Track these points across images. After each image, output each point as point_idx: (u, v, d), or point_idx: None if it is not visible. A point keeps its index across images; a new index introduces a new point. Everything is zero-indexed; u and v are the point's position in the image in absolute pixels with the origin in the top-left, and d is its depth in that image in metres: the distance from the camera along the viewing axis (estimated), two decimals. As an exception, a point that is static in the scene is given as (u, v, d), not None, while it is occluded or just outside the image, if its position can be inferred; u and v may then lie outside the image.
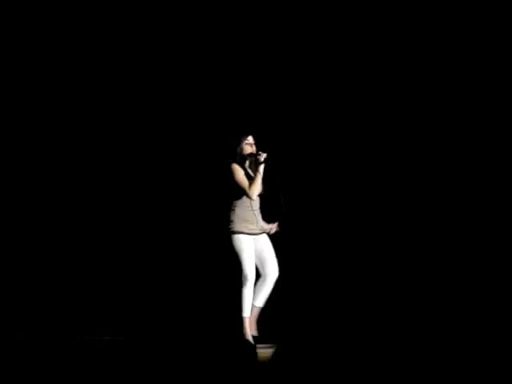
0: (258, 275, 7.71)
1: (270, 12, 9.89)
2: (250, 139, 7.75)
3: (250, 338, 7.47)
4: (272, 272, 7.74)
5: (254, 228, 7.67)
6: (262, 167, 7.63)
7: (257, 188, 7.60)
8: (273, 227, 7.83)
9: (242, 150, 7.68)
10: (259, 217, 7.75)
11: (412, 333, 8.32)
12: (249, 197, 7.60)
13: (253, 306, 7.57)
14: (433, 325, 8.66)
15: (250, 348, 6.03)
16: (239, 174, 7.61)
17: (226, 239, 7.67)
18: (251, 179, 7.62)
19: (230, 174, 7.62)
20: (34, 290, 9.98)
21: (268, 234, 7.81)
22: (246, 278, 7.54)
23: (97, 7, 9.90)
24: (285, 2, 9.82)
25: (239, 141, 7.71)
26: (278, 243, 7.84)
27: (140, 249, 10.19)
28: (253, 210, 7.63)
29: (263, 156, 7.62)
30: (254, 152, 7.70)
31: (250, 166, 7.79)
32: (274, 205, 7.73)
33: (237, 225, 7.59)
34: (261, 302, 7.66)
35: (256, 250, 7.70)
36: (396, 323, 8.83)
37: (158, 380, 5.51)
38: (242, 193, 7.61)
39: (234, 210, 7.62)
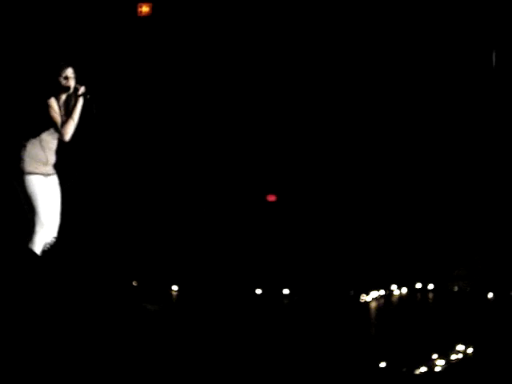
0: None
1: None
2: (69, 72, 6.98)
3: None
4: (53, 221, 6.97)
5: (46, 169, 6.92)
6: (80, 103, 6.89)
7: (72, 127, 6.86)
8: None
9: (58, 83, 6.90)
10: (52, 157, 7.02)
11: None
12: (61, 136, 6.88)
13: None
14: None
15: None
16: (54, 108, 6.84)
17: (15, 179, 6.92)
18: (67, 116, 6.82)
19: (41, 107, 6.84)
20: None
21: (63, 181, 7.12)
22: (40, 224, 6.84)
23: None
24: None
25: (57, 73, 6.93)
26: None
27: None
28: (47, 150, 6.82)
29: (81, 89, 6.90)
30: (71, 87, 6.93)
31: (67, 103, 7.00)
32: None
33: (28, 164, 6.81)
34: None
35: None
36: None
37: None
38: (41, 129, 6.85)
39: (24, 147, 6.86)
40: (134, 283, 9.80)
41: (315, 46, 9.95)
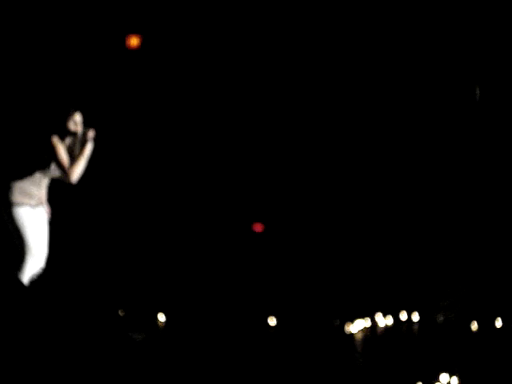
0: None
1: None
2: (77, 117, 6.96)
3: None
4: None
5: (33, 202, 6.88)
6: (89, 147, 6.88)
7: (79, 170, 6.85)
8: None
9: (66, 127, 6.86)
10: (43, 192, 6.96)
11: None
12: (67, 178, 6.84)
13: None
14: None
15: None
16: (60, 149, 6.79)
17: (3, 210, 6.89)
18: (73, 159, 6.80)
19: (47, 148, 6.77)
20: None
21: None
22: (30, 254, 6.81)
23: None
24: None
25: (65, 116, 6.86)
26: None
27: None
28: (40, 187, 6.81)
29: (91, 134, 6.88)
30: (79, 132, 6.90)
31: (72, 146, 6.97)
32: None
33: (18, 196, 6.79)
34: None
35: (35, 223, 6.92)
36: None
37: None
38: (39, 168, 6.82)
39: (18, 181, 6.83)
40: (120, 312, 9.84)
41: (304, 70, 10.05)
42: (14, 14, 9.84)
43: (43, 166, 6.90)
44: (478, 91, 9.79)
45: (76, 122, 6.95)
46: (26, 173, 6.85)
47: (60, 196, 7.67)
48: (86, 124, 7.06)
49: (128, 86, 10.81)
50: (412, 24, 9.97)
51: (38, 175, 6.91)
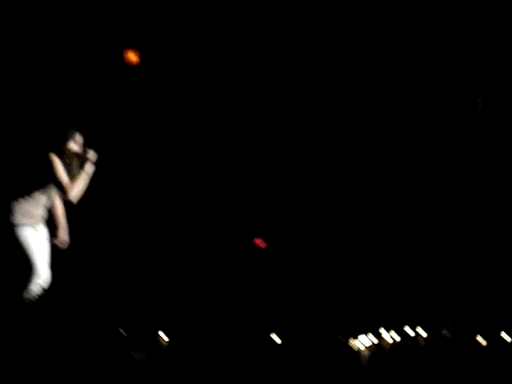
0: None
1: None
2: (77, 137, 6.84)
3: None
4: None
5: (34, 221, 6.76)
6: (89, 167, 6.72)
7: (79, 189, 6.69)
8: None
9: (66, 146, 6.71)
10: (43, 212, 6.82)
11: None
12: (65, 196, 6.66)
13: None
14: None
15: None
16: (59, 167, 6.66)
17: (5, 231, 6.76)
18: (72, 178, 6.64)
19: (46, 166, 6.66)
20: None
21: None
22: (32, 273, 6.71)
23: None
24: None
25: (65, 136, 6.75)
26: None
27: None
28: (39, 207, 6.68)
29: (91, 154, 6.74)
30: (80, 152, 6.76)
31: (72, 166, 6.82)
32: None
33: (18, 217, 6.65)
34: None
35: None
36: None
37: None
38: (37, 187, 6.72)
39: (17, 202, 6.71)
40: (122, 332, 9.71)
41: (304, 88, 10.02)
42: (16, 33, 9.81)
43: (42, 186, 6.84)
44: (480, 101, 9.74)
45: (76, 142, 6.92)
46: (25, 193, 6.78)
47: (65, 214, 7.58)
48: (87, 144, 7.02)
49: (128, 103, 10.74)
50: (417, 34, 9.93)
51: (37, 195, 6.86)
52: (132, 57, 10.43)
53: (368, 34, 9.77)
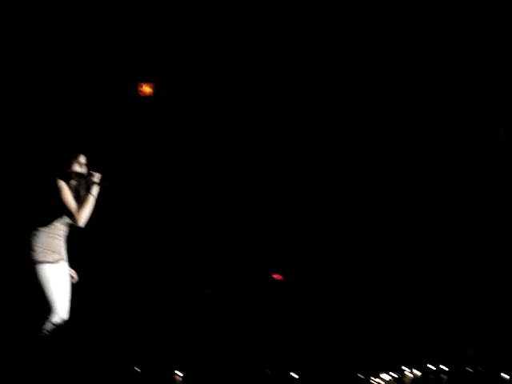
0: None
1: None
2: (82, 159, 6.51)
3: None
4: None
5: (56, 257, 6.36)
6: (95, 189, 6.46)
7: (87, 213, 6.43)
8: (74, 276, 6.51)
9: (70, 169, 6.38)
10: (63, 244, 6.45)
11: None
12: (75, 222, 6.37)
13: None
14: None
15: None
16: (67, 193, 6.36)
17: (26, 269, 6.36)
18: (80, 202, 6.31)
19: (54, 193, 6.32)
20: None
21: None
22: (52, 311, 6.25)
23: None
24: None
25: (69, 159, 6.46)
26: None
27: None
28: (59, 238, 6.35)
29: (97, 176, 6.45)
30: (85, 173, 6.41)
31: (78, 189, 6.48)
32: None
33: (40, 254, 6.31)
34: None
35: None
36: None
37: None
38: (54, 216, 6.38)
39: (36, 235, 6.36)
40: (137, 369, 9.43)
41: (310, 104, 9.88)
42: (29, 53, 9.70)
43: (58, 215, 6.60)
44: (501, 132, 9.58)
45: (80, 163, 6.70)
46: (43, 225, 6.53)
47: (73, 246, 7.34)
48: (92, 167, 6.81)
49: (138, 132, 10.58)
50: (438, 63, 9.81)
51: (56, 225, 6.61)
52: (146, 88, 10.30)
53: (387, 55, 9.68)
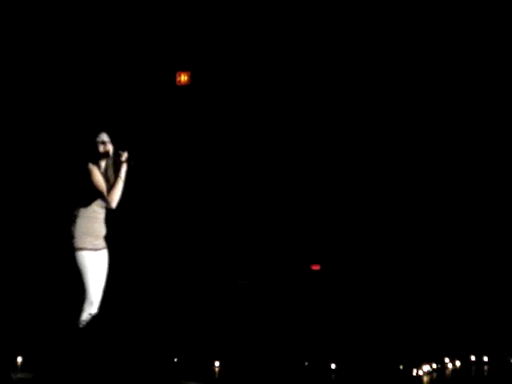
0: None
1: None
2: (104, 137, 6.60)
3: None
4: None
5: (97, 243, 6.51)
6: (123, 169, 6.49)
7: (118, 194, 6.42)
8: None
9: (96, 149, 6.46)
10: (103, 229, 6.62)
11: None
12: (108, 204, 6.43)
13: None
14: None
15: None
16: (97, 175, 6.41)
17: (66, 256, 6.48)
18: (109, 183, 6.40)
19: (85, 176, 6.36)
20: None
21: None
22: (89, 302, 6.47)
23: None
24: None
25: (92, 138, 6.51)
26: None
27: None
28: (98, 221, 6.42)
29: (124, 155, 6.51)
30: (110, 152, 6.53)
31: (106, 169, 6.61)
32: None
33: (79, 240, 6.40)
34: None
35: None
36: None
37: None
38: (90, 199, 6.40)
39: (75, 221, 6.41)
40: (175, 359, 9.38)
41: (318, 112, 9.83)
42: (63, 46, 9.76)
43: (94, 198, 6.52)
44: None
45: (104, 142, 6.62)
46: (81, 210, 6.47)
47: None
48: (120, 147, 6.72)
49: (175, 121, 10.57)
50: (438, 63, 9.72)
51: (94, 209, 6.55)
52: (183, 77, 10.25)
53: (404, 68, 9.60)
